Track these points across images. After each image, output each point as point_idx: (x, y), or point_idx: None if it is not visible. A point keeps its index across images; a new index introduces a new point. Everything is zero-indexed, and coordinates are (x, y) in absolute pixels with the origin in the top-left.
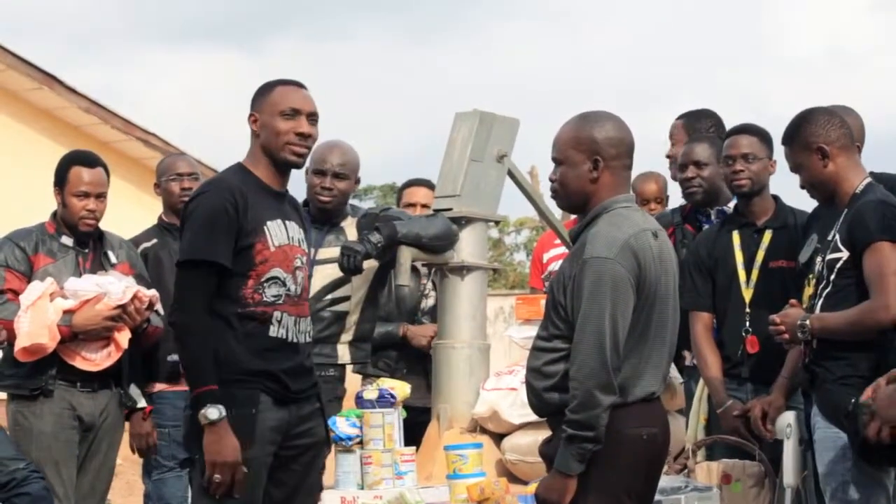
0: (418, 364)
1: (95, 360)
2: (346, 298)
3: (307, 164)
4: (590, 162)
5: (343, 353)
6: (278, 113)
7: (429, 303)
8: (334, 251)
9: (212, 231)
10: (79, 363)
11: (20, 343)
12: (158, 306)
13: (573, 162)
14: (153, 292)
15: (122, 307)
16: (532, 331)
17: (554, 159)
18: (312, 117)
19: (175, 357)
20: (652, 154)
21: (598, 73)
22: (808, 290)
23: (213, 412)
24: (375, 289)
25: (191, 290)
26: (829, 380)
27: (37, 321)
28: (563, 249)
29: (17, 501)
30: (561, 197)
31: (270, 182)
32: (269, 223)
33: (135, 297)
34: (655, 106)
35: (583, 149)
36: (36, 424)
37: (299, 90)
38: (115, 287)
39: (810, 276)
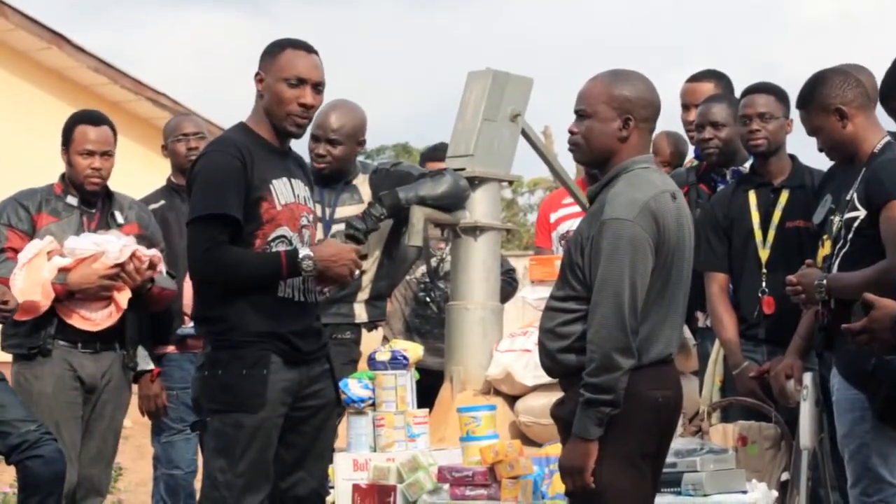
0: (439, 326)
1: (95, 319)
2: (363, 257)
3: None
4: (620, 120)
5: (360, 311)
6: (283, 80)
7: (445, 267)
8: (352, 209)
9: (221, 186)
10: (76, 322)
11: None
12: (161, 266)
13: (603, 117)
14: (154, 252)
15: (121, 266)
16: (546, 292)
17: (579, 111)
18: (318, 87)
19: (185, 330)
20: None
21: (610, 33)
22: (823, 251)
23: (303, 252)
24: (391, 246)
25: (206, 243)
26: (848, 341)
27: (31, 278)
28: (571, 209)
29: (30, 464)
30: (583, 150)
31: (273, 141)
32: (274, 181)
33: (133, 256)
34: (669, 66)
35: (615, 106)
36: (36, 385)
37: (308, 56)
38: (112, 246)
39: (825, 236)
